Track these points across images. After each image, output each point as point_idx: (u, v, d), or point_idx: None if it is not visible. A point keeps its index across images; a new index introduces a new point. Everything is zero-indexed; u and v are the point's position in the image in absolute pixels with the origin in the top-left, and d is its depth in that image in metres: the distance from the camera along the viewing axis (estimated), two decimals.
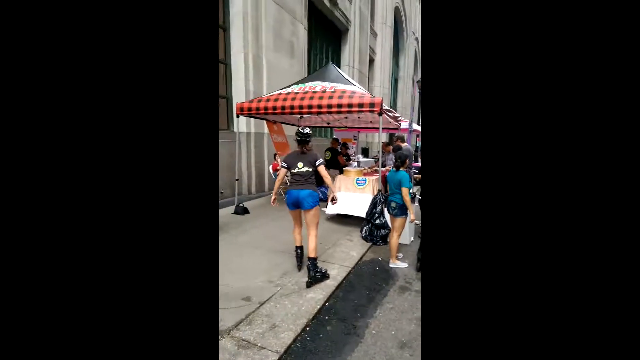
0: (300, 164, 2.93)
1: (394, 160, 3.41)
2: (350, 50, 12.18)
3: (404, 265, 3.41)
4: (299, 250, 3.14)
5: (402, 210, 3.29)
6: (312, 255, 2.88)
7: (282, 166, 3.04)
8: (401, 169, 3.33)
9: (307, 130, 2.98)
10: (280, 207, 5.53)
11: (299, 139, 2.96)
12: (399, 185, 3.26)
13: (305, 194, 2.88)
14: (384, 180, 5.17)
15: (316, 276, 2.83)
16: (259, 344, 1.99)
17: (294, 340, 2.08)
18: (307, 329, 2.23)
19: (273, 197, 3.09)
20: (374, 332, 2.24)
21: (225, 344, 1.97)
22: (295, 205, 2.96)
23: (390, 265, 3.41)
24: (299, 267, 3.11)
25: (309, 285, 2.77)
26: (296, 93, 4.80)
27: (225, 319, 2.23)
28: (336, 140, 6.93)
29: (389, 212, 3.48)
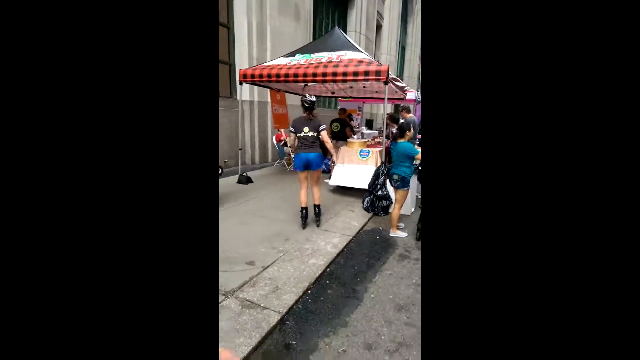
0: (306, 129, 3.29)
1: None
2: (357, 15, 11.62)
3: (404, 234, 3.49)
4: (304, 211, 3.46)
5: (403, 183, 3.30)
6: (317, 202, 3.51)
7: (291, 130, 3.43)
8: (401, 140, 3.27)
9: (314, 98, 3.31)
10: (283, 176, 5.55)
11: (307, 105, 3.29)
12: (402, 157, 3.24)
13: (313, 156, 3.32)
14: (387, 152, 5.15)
15: (320, 216, 3.56)
16: (262, 305, 2.09)
17: (296, 302, 2.18)
18: (309, 291, 2.33)
19: (292, 151, 3.83)
20: (372, 296, 2.34)
21: (229, 304, 2.07)
22: (305, 167, 3.34)
23: (391, 235, 3.48)
24: (304, 226, 3.45)
25: (318, 225, 3.50)
26: (301, 64, 4.66)
27: (230, 281, 2.33)
28: (343, 110, 6.78)
29: (391, 185, 3.49)
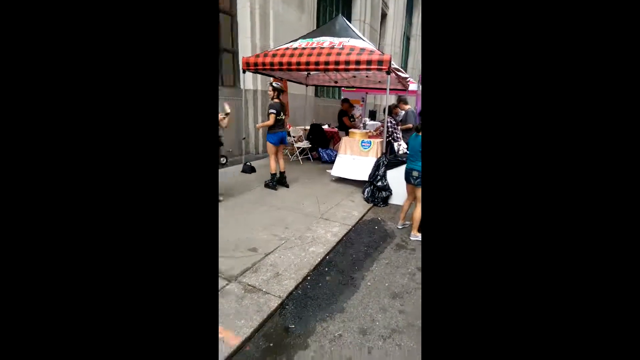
0: (282, 113, 4.29)
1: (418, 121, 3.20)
2: (362, 3, 11.45)
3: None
4: (275, 176, 4.53)
5: None
6: (283, 169, 4.63)
7: (272, 112, 4.18)
8: (420, 134, 3.01)
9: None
10: (286, 166, 5.62)
11: (278, 92, 4.28)
12: (418, 152, 2.95)
13: (285, 133, 4.50)
14: (388, 144, 5.18)
15: (286, 179, 4.68)
16: (263, 289, 2.18)
17: (296, 288, 2.27)
18: (308, 278, 2.42)
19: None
20: (369, 283, 2.43)
21: (232, 289, 2.16)
22: (281, 142, 4.45)
23: (411, 238, 3.21)
24: (276, 188, 4.50)
25: (288, 186, 4.65)
26: (303, 48, 4.64)
27: (234, 266, 2.42)
28: (346, 101, 6.77)
29: (409, 182, 3.17)
